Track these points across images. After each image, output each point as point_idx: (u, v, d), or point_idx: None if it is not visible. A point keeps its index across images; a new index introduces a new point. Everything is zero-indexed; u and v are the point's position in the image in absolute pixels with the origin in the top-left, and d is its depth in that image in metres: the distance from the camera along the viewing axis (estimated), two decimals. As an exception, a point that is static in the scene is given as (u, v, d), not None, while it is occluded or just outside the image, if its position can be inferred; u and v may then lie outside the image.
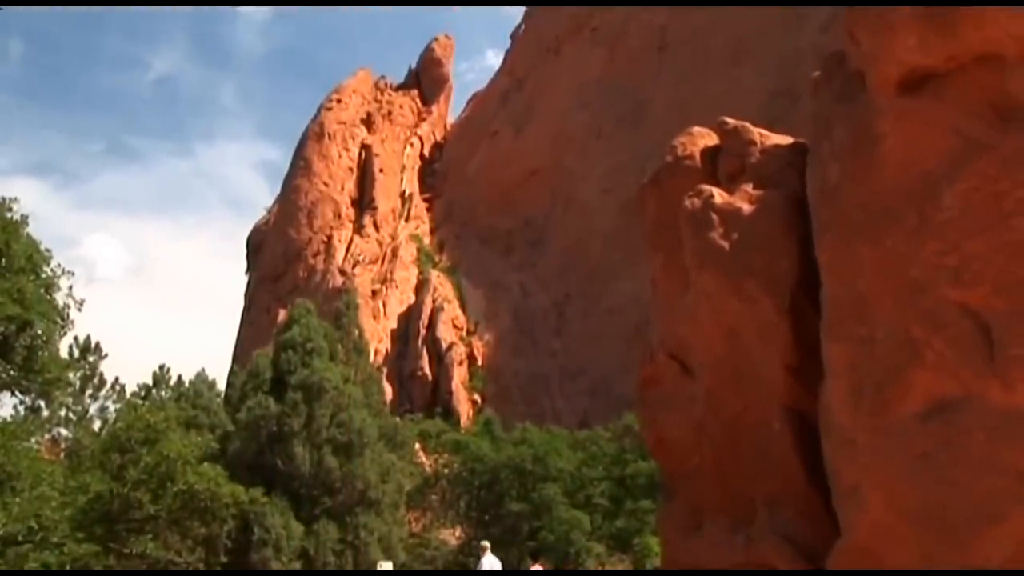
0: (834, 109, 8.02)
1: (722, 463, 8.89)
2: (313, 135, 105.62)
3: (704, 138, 10.26)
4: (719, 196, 9.17)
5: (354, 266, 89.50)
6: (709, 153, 10.02)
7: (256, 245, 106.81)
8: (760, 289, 8.33)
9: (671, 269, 9.80)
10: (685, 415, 9.46)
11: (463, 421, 69.30)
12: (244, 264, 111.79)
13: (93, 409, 31.86)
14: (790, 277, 8.28)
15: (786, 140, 9.62)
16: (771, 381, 8.24)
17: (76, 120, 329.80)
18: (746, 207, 8.88)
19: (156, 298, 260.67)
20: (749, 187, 9.09)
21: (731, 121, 10.07)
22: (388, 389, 63.11)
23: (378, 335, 78.96)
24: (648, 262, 10.68)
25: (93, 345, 32.18)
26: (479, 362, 79.16)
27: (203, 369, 39.78)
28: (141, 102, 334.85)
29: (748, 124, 9.96)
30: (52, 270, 18.41)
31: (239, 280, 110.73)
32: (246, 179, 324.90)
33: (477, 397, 74.85)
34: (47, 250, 18.41)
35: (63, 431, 30.02)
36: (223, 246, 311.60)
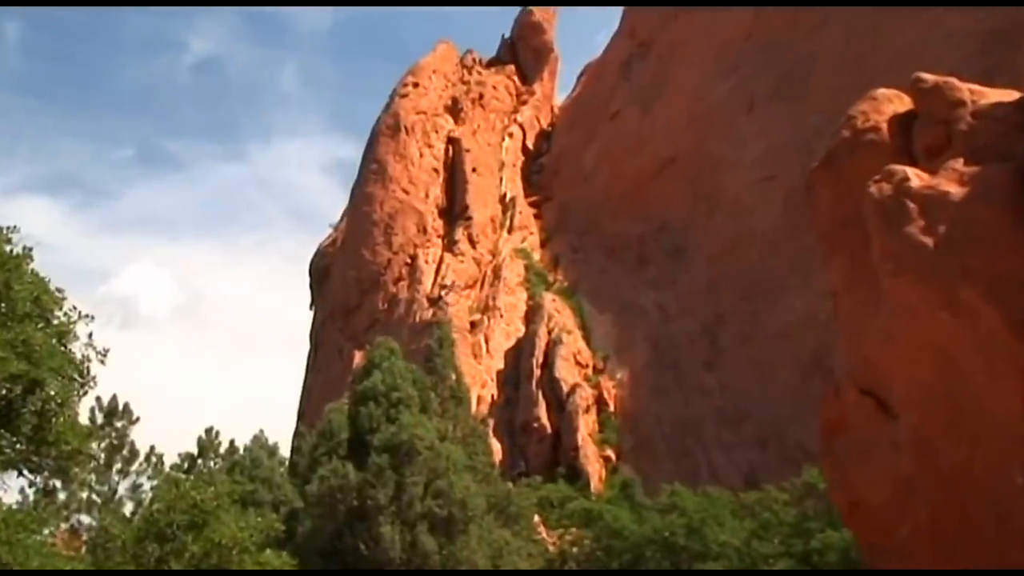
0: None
1: (944, 531, 8.58)
2: (386, 130, 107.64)
3: (893, 102, 10.01)
4: (917, 178, 8.93)
5: (446, 292, 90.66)
6: (901, 121, 9.77)
7: (321, 272, 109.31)
8: (981, 298, 8.03)
9: (856, 277, 9.58)
10: (887, 469, 9.17)
11: (594, 484, 69.07)
12: (309, 296, 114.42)
13: (123, 488, 33.08)
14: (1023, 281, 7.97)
15: (1010, 96, 9.30)
16: (1006, 421, 7.92)
17: (97, 121, 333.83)
18: (955, 190, 8.62)
19: (204, 342, 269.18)
20: (959, 163, 8.82)
21: (929, 77, 9.79)
22: (496, 446, 63.45)
23: (480, 378, 79.54)
24: (825, 269, 10.47)
25: (120, 407, 33.43)
26: (611, 407, 78.81)
27: (261, 431, 40.83)
28: (178, 94, 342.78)
29: (953, 79, 9.67)
30: (67, 314, 18.64)
31: (305, 315, 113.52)
32: (315, 185, 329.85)
33: (610, 452, 74.46)
34: (59, 290, 18.52)
35: (84, 518, 31.16)
36: (289, 272, 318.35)
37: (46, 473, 19.37)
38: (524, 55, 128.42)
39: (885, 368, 9.40)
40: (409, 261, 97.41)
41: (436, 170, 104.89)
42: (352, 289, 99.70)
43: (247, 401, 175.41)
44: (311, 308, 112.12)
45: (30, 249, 18.35)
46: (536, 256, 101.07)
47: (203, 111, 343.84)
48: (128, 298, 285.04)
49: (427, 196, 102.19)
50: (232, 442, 39.59)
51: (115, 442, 32.97)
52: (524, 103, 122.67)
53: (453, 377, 38.82)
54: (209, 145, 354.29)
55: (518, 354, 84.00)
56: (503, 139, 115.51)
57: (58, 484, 21.82)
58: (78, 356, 18.64)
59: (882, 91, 10.40)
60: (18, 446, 18.14)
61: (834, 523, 35.88)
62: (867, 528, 10.06)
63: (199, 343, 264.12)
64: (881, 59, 59.54)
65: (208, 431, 39.03)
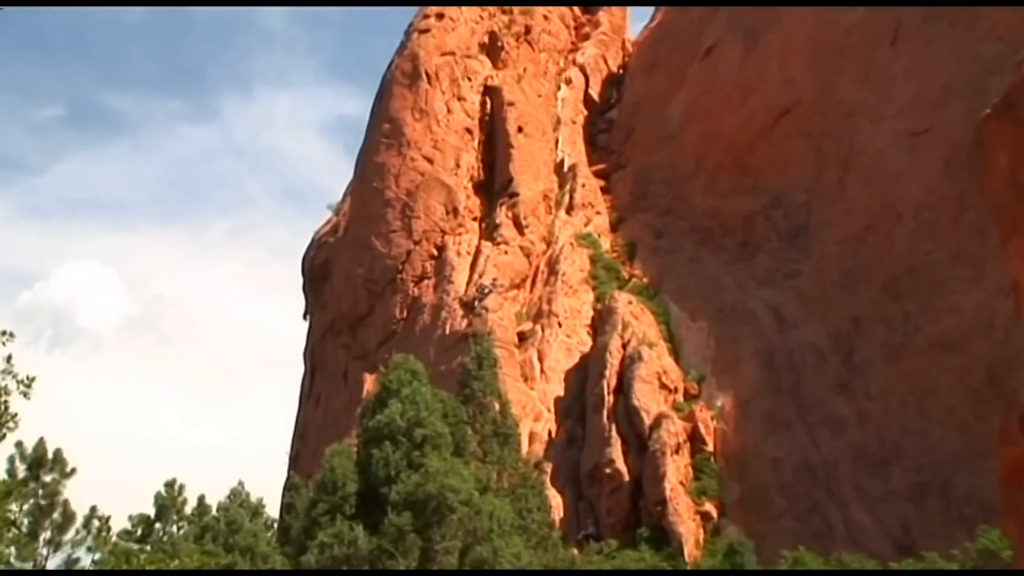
0: None
1: None
2: (401, 77, 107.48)
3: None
4: None
5: (486, 294, 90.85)
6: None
7: (319, 270, 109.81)
8: None
9: (1049, 265, 9.51)
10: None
11: (688, 550, 69.00)
12: (303, 301, 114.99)
13: (54, 563, 33.36)
14: None
15: None
16: None
17: (14, 70, 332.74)
18: None
19: (164, 365, 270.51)
20: None
21: None
22: (556, 500, 63.50)
23: (533, 408, 79.64)
24: (1003, 256, 10.40)
25: (50, 455, 33.72)
26: (709, 446, 78.67)
27: (241, 484, 41.26)
28: (123, 33, 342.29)
29: None
30: None
31: (299, 327, 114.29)
32: (310, 152, 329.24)
33: (710, 507, 74.38)
34: None
35: (2, 604, 31.46)
36: (276, 270, 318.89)
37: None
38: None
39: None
40: (435, 253, 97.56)
41: (469, 130, 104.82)
42: (360, 292, 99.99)
43: (222, 443, 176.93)
44: (306, 318, 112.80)
45: None
46: (605, 244, 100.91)
47: (158, 55, 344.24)
48: (61, 307, 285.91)
49: (458, 166, 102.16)
50: (201, 499, 40.06)
51: (43, 502, 33.26)
52: (586, 38, 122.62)
53: (497, 407, 38.98)
54: (167, 100, 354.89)
55: (583, 375, 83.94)
56: (558, 87, 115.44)
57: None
58: None
59: (1079, 11, 10.27)
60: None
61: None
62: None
63: (158, 366, 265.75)
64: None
65: (170, 485, 39.53)
